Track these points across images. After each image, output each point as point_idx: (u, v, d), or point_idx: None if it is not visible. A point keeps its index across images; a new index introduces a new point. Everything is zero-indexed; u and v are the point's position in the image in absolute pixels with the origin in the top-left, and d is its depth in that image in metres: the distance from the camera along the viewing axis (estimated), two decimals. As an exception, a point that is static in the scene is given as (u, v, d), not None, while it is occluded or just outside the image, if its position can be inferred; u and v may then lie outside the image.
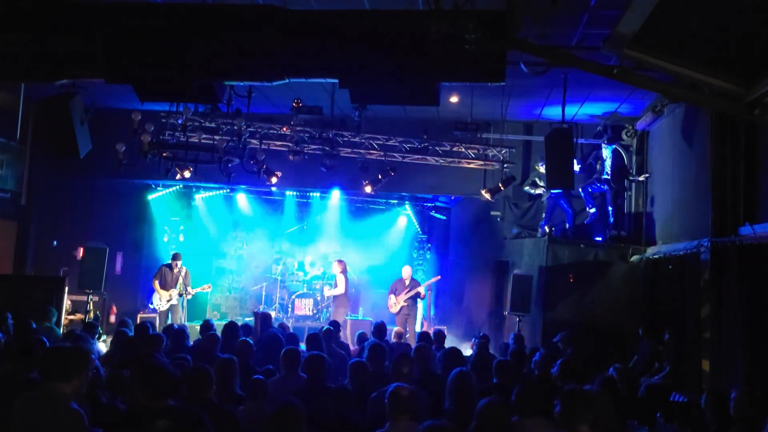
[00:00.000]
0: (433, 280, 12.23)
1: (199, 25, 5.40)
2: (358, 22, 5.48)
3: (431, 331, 8.82)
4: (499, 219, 12.22)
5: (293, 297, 12.93)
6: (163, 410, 3.47)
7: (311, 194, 13.88)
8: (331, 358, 6.23)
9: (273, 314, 10.20)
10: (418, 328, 11.79)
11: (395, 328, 9.48)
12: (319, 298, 13.00)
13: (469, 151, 11.19)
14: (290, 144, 10.71)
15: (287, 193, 13.74)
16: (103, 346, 8.10)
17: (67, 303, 10.12)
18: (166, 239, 13.55)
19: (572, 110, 10.30)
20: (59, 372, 3.52)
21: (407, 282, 11.42)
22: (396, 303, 11.28)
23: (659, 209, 9.97)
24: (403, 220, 14.35)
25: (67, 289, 9.90)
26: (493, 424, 3.67)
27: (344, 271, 11.69)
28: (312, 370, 5.08)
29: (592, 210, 10.97)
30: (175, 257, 11.44)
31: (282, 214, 14.06)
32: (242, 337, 6.81)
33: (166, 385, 3.60)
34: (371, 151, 11.08)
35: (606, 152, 10.79)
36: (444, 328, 11.40)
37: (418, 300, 11.57)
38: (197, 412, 3.61)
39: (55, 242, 12.42)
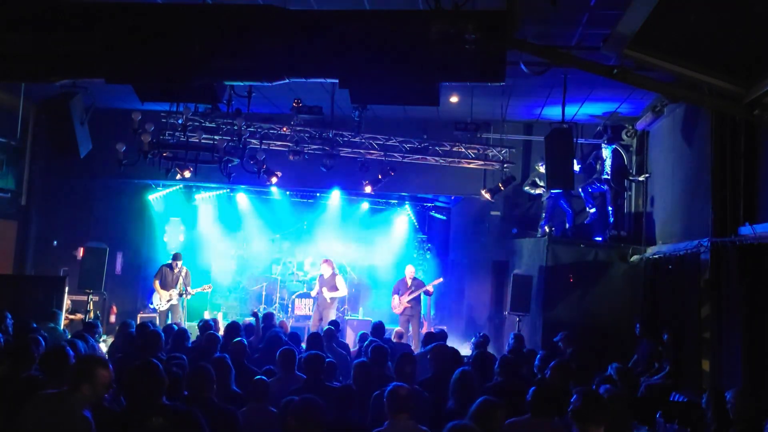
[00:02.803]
0: (436, 282, 11.98)
1: (199, 25, 5.40)
2: (358, 22, 5.47)
3: (432, 331, 8.82)
4: (499, 219, 12.22)
5: (293, 297, 12.92)
6: (159, 409, 3.47)
7: (311, 194, 13.88)
8: (332, 358, 6.24)
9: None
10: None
11: (395, 328, 9.47)
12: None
13: (469, 151, 11.19)
14: (290, 144, 10.71)
15: (287, 193, 13.74)
16: (103, 346, 8.10)
17: (67, 303, 10.11)
18: (166, 239, 13.55)
19: (572, 110, 10.30)
20: (73, 377, 3.51)
21: (409, 282, 11.36)
22: (399, 304, 11.23)
23: (659, 209, 9.97)
24: (403, 220, 14.34)
25: (67, 289, 9.90)
26: (486, 423, 3.66)
27: (335, 271, 11.50)
28: (311, 370, 5.09)
29: (592, 210, 10.97)
30: (175, 257, 11.44)
31: (282, 214, 14.06)
32: (244, 337, 6.82)
33: (162, 384, 3.61)
34: (371, 151, 11.08)
35: (606, 152, 10.79)
36: (444, 328, 11.38)
37: (423, 298, 11.45)
38: (193, 411, 3.62)
39: (55, 242, 12.41)
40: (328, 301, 11.13)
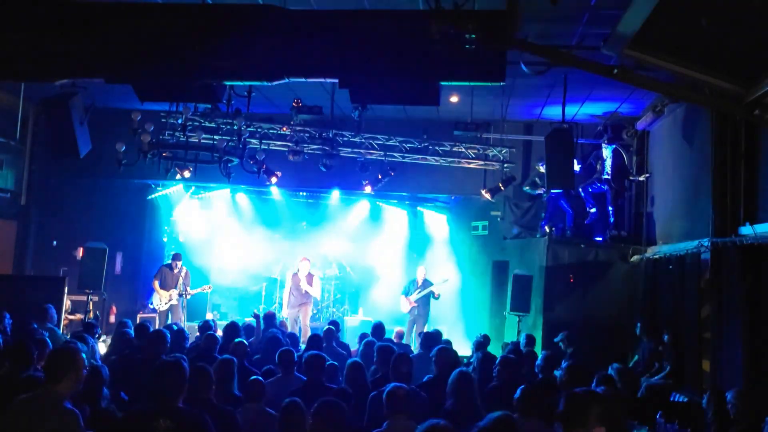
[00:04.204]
0: (442, 282, 11.71)
1: (199, 25, 5.40)
2: (358, 22, 5.47)
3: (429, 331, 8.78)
4: (499, 219, 12.21)
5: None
6: (166, 411, 3.45)
7: (311, 194, 13.87)
8: (332, 359, 6.23)
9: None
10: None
11: (396, 329, 9.45)
12: (319, 299, 12.94)
13: (469, 151, 11.19)
14: (290, 144, 10.70)
15: (287, 192, 13.74)
16: (102, 346, 8.09)
17: (67, 303, 10.11)
18: (166, 239, 13.54)
19: (572, 110, 10.29)
20: (49, 372, 3.51)
21: (419, 282, 11.32)
22: (407, 302, 11.20)
23: (659, 209, 9.96)
24: (403, 220, 14.32)
25: (67, 289, 9.89)
26: None
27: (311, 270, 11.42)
28: (311, 371, 5.09)
29: (593, 210, 10.96)
30: (175, 257, 11.44)
31: (282, 214, 14.05)
32: (244, 337, 6.80)
33: (182, 387, 3.57)
34: (371, 151, 11.08)
35: (606, 152, 10.78)
36: (441, 328, 11.34)
37: (432, 300, 11.40)
38: (200, 414, 3.60)
39: (55, 242, 12.40)
40: (303, 293, 11.04)
